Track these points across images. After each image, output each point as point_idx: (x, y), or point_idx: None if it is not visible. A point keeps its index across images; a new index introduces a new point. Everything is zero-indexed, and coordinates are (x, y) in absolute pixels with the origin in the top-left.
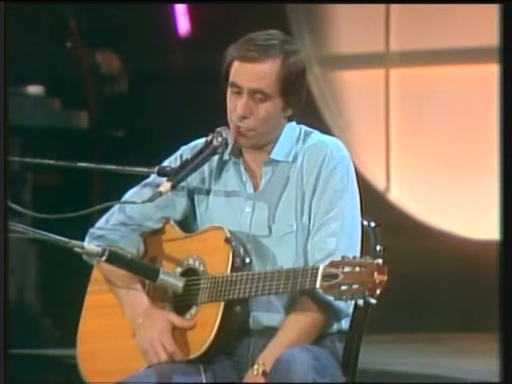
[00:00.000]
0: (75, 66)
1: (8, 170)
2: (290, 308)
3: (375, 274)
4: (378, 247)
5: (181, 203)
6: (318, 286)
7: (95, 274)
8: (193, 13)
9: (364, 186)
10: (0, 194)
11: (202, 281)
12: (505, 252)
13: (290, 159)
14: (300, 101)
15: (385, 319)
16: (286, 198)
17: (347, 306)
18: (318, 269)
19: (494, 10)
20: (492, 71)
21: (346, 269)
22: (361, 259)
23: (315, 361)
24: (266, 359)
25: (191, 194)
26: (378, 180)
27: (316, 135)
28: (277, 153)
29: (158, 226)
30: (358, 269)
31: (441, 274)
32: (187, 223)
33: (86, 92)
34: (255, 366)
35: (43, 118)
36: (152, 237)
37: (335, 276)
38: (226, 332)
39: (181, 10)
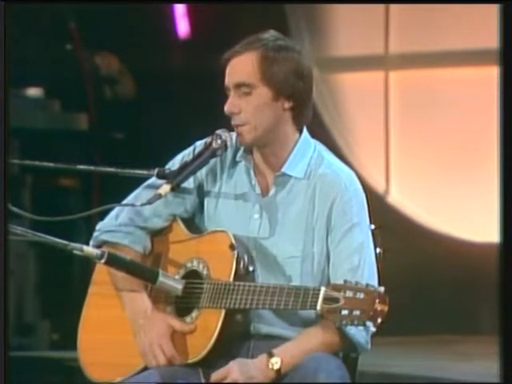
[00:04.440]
0: (75, 67)
1: (8, 172)
2: (292, 324)
3: (376, 302)
4: (378, 250)
5: (191, 201)
6: (318, 308)
7: (100, 265)
8: (192, 14)
9: (363, 189)
10: (0, 196)
11: (205, 285)
12: (505, 254)
13: (302, 176)
14: (298, 91)
15: (385, 322)
16: (292, 218)
17: (366, 342)
18: (319, 290)
19: (493, 12)
20: (492, 73)
21: (348, 294)
22: (362, 286)
23: (339, 370)
24: (285, 358)
25: (201, 193)
26: (377, 182)
27: (329, 162)
28: (289, 167)
29: (165, 224)
30: (359, 295)
31: (441, 277)
32: (194, 222)
33: (85, 94)
34: (273, 360)
35: (43, 120)
36: (158, 235)
37: (336, 300)
38: (226, 338)
39: (180, 11)
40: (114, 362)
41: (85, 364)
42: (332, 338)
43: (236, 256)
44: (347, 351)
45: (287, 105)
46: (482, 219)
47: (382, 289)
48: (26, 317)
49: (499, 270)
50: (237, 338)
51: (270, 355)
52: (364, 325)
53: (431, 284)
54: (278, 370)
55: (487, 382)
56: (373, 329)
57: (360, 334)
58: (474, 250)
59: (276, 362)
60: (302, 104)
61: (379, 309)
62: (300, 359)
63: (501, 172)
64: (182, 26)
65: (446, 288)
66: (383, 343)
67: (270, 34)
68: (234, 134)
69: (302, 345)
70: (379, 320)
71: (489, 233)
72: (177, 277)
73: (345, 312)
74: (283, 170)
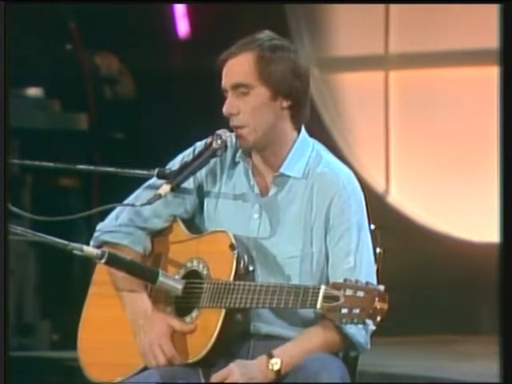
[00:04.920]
0: (75, 67)
1: (8, 172)
2: (292, 323)
3: (376, 300)
4: (378, 250)
5: (190, 201)
6: (318, 306)
7: (100, 265)
8: (192, 14)
9: (363, 189)
10: (0, 196)
11: (205, 285)
12: (505, 254)
13: (300, 176)
14: (295, 89)
15: (385, 321)
16: (292, 217)
17: (366, 343)
18: (319, 289)
19: (493, 12)
20: (492, 73)
21: (348, 292)
22: (362, 284)
23: (341, 370)
24: (285, 358)
25: (201, 193)
26: (377, 182)
27: (327, 161)
28: (287, 167)
29: (165, 224)
30: (359, 293)
31: (441, 277)
32: (194, 223)
33: (85, 94)
34: (273, 361)
35: (43, 120)
36: (159, 236)
37: (336, 298)
38: (226, 338)
39: (180, 11)
40: (113, 361)
41: (85, 364)
42: (332, 337)
43: (236, 256)
44: (347, 351)
45: (285, 104)
46: (482, 219)
47: (381, 287)
48: (26, 317)
49: (499, 269)
50: (237, 338)
51: (270, 356)
52: (364, 323)
53: (431, 284)
54: (278, 371)
55: (487, 382)
56: (372, 327)
57: (360, 333)
58: (473, 249)
59: (276, 363)
60: (300, 102)
61: (379, 307)
62: (300, 359)
63: (501, 172)
64: (182, 26)
65: (446, 288)
66: (383, 343)
67: (266, 34)
68: (234, 135)
69: (301, 345)
70: (379, 318)
71: (489, 233)
72: (177, 277)
73: (344, 310)
74: (281, 170)
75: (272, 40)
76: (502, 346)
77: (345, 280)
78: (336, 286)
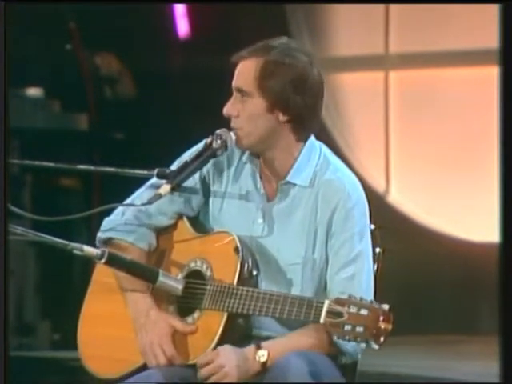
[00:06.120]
0: (75, 68)
1: (8, 172)
2: (293, 328)
3: (380, 320)
4: (378, 249)
5: (196, 200)
6: (321, 321)
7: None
8: (192, 14)
9: (363, 189)
10: (0, 196)
11: (208, 286)
12: (505, 254)
13: (307, 184)
14: (295, 105)
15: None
16: (296, 225)
17: (355, 352)
18: (323, 303)
19: (493, 12)
20: (492, 73)
21: (352, 309)
22: (367, 302)
23: (311, 366)
24: (272, 352)
25: (207, 192)
26: (377, 182)
27: (335, 167)
28: (293, 176)
29: (171, 222)
30: (363, 311)
31: (441, 277)
32: (199, 221)
33: (85, 94)
34: (260, 352)
35: (43, 120)
36: (164, 233)
37: (340, 314)
38: (228, 341)
39: (180, 11)
40: (113, 356)
41: (85, 357)
42: (322, 341)
43: (241, 259)
44: (336, 356)
45: (282, 118)
46: (482, 219)
47: (386, 306)
48: (26, 317)
49: (499, 269)
50: (237, 341)
51: (258, 347)
52: (367, 342)
53: (431, 284)
54: (264, 363)
55: (487, 382)
56: (376, 346)
57: (350, 343)
58: (474, 249)
59: (263, 355)
60: (301, 118)
61: (383, 327)
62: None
63: (501, 172)
64: (182, 26)
65: (446, 288)
66: (384, 343)
67: (280, 42)
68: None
69: (290, 343)
70: (382, 339)
71: (489, 233)
72: (179, 276)
73: (348, 327)
74: (288, 178)
75: (284, 50)
76: (502, 345)
77: (349, 296)
78: (340, 302)
